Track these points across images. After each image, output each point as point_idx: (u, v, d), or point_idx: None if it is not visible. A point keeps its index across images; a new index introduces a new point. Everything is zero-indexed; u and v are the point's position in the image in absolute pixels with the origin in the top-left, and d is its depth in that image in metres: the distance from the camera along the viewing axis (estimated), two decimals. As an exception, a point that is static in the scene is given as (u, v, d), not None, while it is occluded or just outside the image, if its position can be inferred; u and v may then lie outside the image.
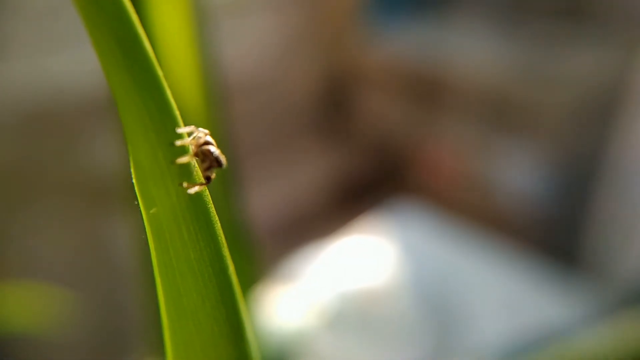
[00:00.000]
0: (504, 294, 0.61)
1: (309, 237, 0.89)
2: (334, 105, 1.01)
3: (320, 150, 1.00)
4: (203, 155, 0.14)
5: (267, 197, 0.92)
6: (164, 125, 0.12)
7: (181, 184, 0.13)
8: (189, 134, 0.13)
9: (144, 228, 0.13)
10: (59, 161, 0.67)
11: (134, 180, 0.12)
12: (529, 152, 0.92)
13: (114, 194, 0.69)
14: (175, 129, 0.12)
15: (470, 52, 0.97)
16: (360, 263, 0.66)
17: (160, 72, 0.11)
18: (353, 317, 0.60)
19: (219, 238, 0.13)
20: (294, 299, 0.59)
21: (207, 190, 0.13)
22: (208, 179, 0.14)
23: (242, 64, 0.83)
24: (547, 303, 0.60)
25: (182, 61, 0.38)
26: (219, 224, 0.13)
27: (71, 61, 0.63)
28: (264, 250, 0.55)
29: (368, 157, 1.06)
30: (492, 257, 0.67)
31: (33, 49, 0.61)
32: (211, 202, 0.13)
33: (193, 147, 0.13)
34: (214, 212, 0.13)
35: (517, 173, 0.93)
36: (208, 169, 0.14)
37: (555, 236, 0.90)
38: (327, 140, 1.01)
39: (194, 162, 0.13)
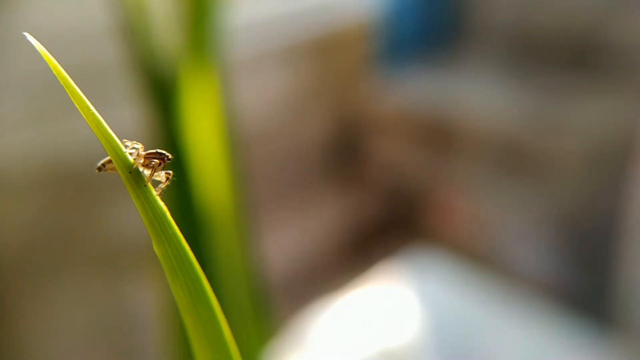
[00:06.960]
0: (529, 349, 0.60)
1: (322, 284, 0.88)
2: (347, 152, 1.01)
3: (334, 197, 1.00)
4: (148, 161, 0.16)
5: (279, 245, 0.91)
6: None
7: (146, 185, 0.15)
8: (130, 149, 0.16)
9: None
10: (82, 227, 0.67)
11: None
12: (543, 200, 0.91)
13: (136, 260, 0.68)
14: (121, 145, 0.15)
15: (481, 99, 0.98)
16: (376, 316, 0.65)
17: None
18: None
19: None
20: None
21: None
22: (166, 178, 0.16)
23: (256, 115, 0.83)
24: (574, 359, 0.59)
25: (206, 113, 0.39)
26: None
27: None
28: (277, 305, 0.54)
29: (382, 203, 1.05)
30: (514, 308, 0.66)
31: (60, 113, 0.62)
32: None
33: (139, 159, 0.16)
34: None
35: (532, 221, 0.92)
36: (159, 167, 0.16)
37: (579, 286, 0.88)
38: (341, 188, 1.01)
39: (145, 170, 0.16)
